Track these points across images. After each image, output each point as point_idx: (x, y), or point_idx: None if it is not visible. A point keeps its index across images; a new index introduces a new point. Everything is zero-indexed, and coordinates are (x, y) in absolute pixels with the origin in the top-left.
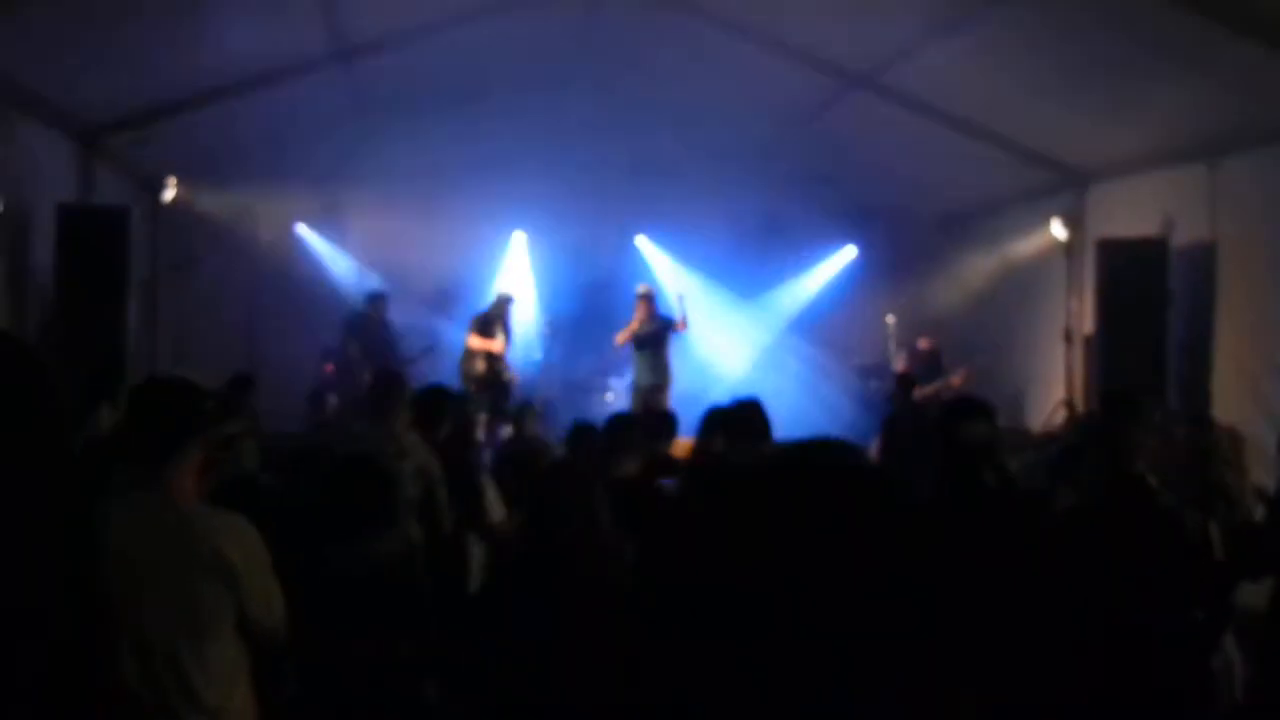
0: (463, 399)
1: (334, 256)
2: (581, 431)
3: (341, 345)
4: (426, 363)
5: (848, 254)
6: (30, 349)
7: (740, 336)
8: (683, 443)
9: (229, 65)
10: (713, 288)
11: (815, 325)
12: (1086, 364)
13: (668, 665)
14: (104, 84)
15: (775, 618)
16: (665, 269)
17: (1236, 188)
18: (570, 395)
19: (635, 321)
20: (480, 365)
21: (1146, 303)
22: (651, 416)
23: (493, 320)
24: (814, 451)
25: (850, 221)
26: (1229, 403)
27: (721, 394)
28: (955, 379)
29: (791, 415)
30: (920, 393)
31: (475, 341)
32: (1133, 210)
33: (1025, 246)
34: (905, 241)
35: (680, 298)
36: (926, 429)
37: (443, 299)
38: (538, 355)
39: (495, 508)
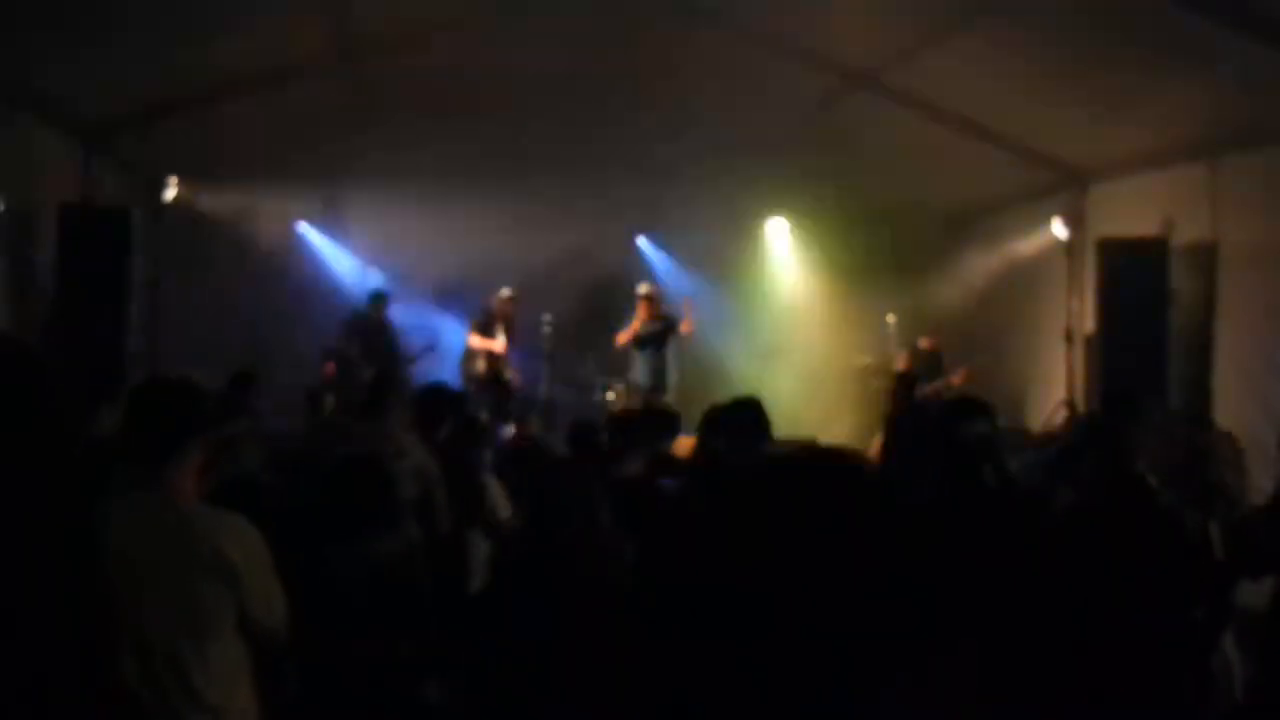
0: (463, 398)
1: (335, 255)
2: (582, 431)
3: (342, 345)
4: (428, 362)
5: (847, 253)
6: (30, 350)
7: (740, 336)
8: (684, 442)
9: (230, 64)
10: (713, 287)
11: (815, 324)
12: (1087, 364)
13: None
14: (105, 83)
15: (775, 618)
16: (667, 269)
17: (1237, 187)
18: (571, 395)
19: (637, 321)
20: (481, 365)
21: (1147, 302)
22: (653, 416)
23: (493, 319)
24: (813, 453)
25: (851, 221)
26: (1230, 402)
27: (722, 394)
28: (956, 378)
29: (791, 415)
30: (920, 392)
31: (476, 341)
32: (1133, 210)
33: (1026, 246)
34: (906, 241)
35: (686, 301)
36: (928, 428)
37: (444, 298)
38: (539, 355)
39: (501, 505)
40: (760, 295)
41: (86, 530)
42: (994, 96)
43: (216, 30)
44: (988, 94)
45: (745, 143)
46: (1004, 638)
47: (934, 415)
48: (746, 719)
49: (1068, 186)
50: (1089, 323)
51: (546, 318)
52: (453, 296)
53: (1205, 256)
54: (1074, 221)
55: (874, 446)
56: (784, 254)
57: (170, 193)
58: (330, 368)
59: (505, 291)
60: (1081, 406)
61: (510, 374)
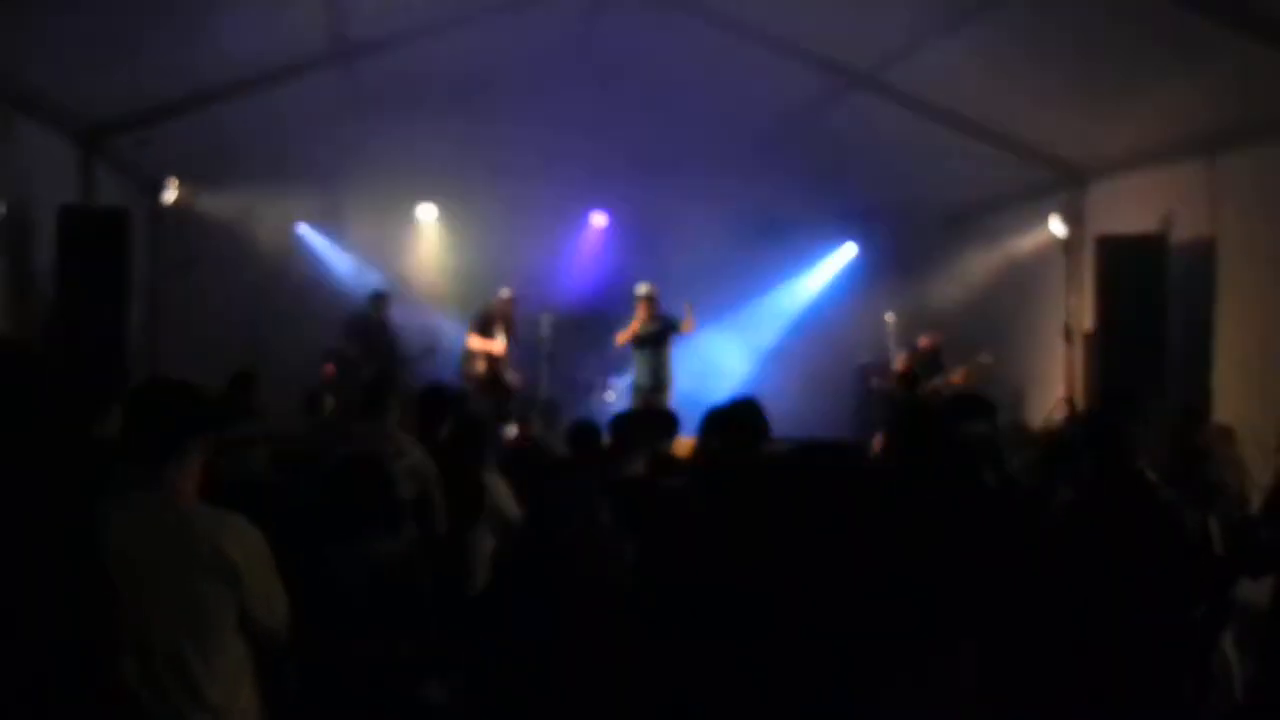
0: (464, 398)
1: (334, 256)
2: (582, 431)
3: (342, 345)
4: (428, 363)
5: (848, 253)
6: (30, 351)
7: (740, 336)
8: (684, 442)
9: (229, 65)
10: (713, 287)
11: (815, 324)
12: (1087, 361)
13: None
14: (104, 85)
15: (775, 617)
16: (663, 269)
17: (1236, 183)
18: (571, 395)
19: (636, 322)
20: (481, 366)
21: (1146, 299)
22: (652, 416)
23: (492, 320)
24: (812, 451)
25: (850, 220)
26: (1230, 399)
27: (721, 394)
28: (955, 377)
29: (792, 415)
30: (920, 390)
31: (475, 342)
32: (1132, 207)
33: (1025, 244)
34: (905, 240)
35: (686, 303)
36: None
37: (443, 299)
38: (538, 355)
39: (508, 504)
40: (760, 295)
41: (87, 530)
42: (991, 94)
43: (215, 32)
44: (985, 92)
45: (743, 141)
46: (1004, 637)
47: (935, 415)
48: (746, 719)
49: (1066, 184)
50: (1088, 320)
51: (546, 319)
52: (451, 297)
53: (1204, 253)
54: (1072, 219)
55: (875, 446)
56: (783, 253)
57: (169, 194)
58: (330, 368)
59: (504, 292)
60: (1081, 404)
61: (510, 375)
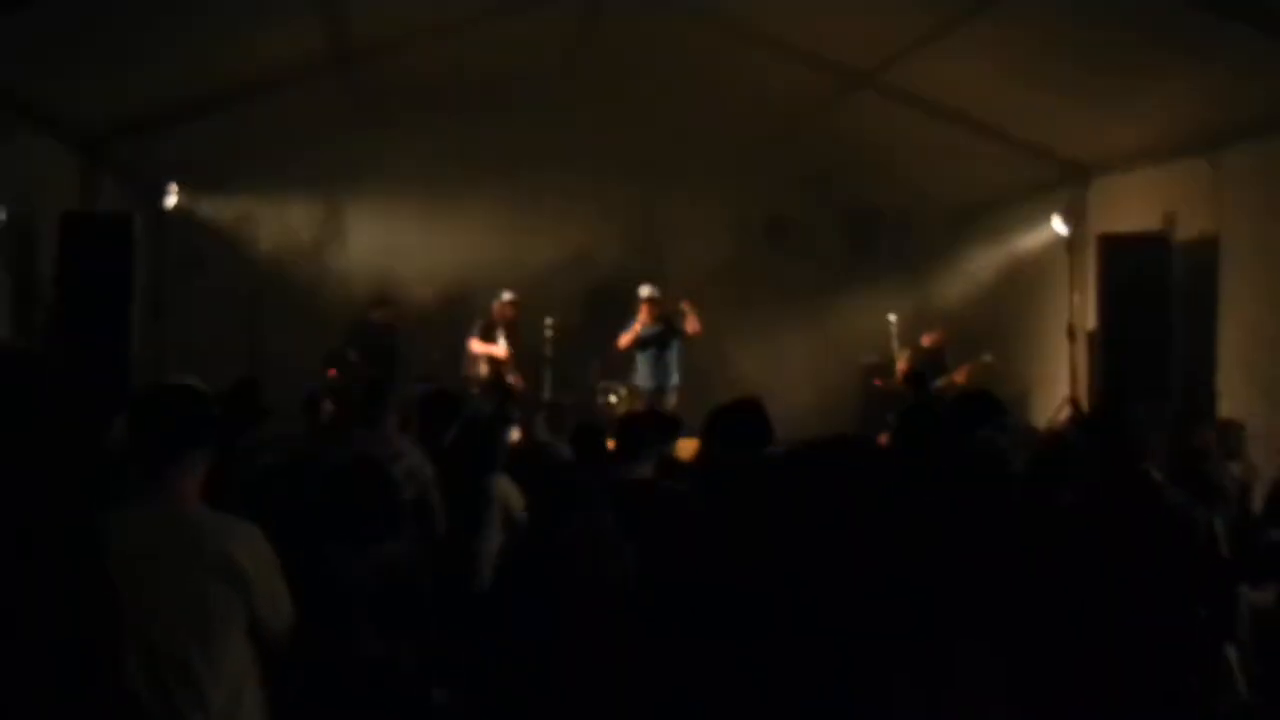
0: (467, 401)
1: (336, 261)
2: (586, 433)
3: (343, 350)
4: (430, 368)
5: (849, 252)
6: (32, 354)
7: (743, 337)
8: (687, 444)
9: (229, 71)
10: (715, 288)
11: (817, 324)
12: (1090, 360)
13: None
14: (105, 91)
15: (775, 617)
16: (666, 270)
17: (1239, 181)
18: (574, 398)
19: (638, 324)
20: (484, 369)
21: (1150, 298)
22: (655, 419)
23: (495, 324)
24: (816, 453)
25: (852, 219)
26: (1235, 397)
27: (724, 395)
28: (958, 376)
29: (795, 416)
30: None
31: (477, 346)
32: (1135, 205)
33: (1027, 242)
34: (907, 239)
35: (685, 302)
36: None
37: (445, 303)
38: (542, 358)
39: (517, 502)
40: (761, 296)
41: (89, 531)
42: (992, 92)
43: (215, 37)
44: (986, 90)
45: (746, 142)
46: (1008, 637)
47: (941, 418)
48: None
49: (1068, 182)
50: (1091, 319)
51: (548, 321)
52: (453, 301)
53: (1208, 251)
54: (1075, 217)
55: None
56: (785, 253)
57: (171, 200)
58: (332, 373)
59: (506, 295)
60: (1085, 403)
61: (513, 378)
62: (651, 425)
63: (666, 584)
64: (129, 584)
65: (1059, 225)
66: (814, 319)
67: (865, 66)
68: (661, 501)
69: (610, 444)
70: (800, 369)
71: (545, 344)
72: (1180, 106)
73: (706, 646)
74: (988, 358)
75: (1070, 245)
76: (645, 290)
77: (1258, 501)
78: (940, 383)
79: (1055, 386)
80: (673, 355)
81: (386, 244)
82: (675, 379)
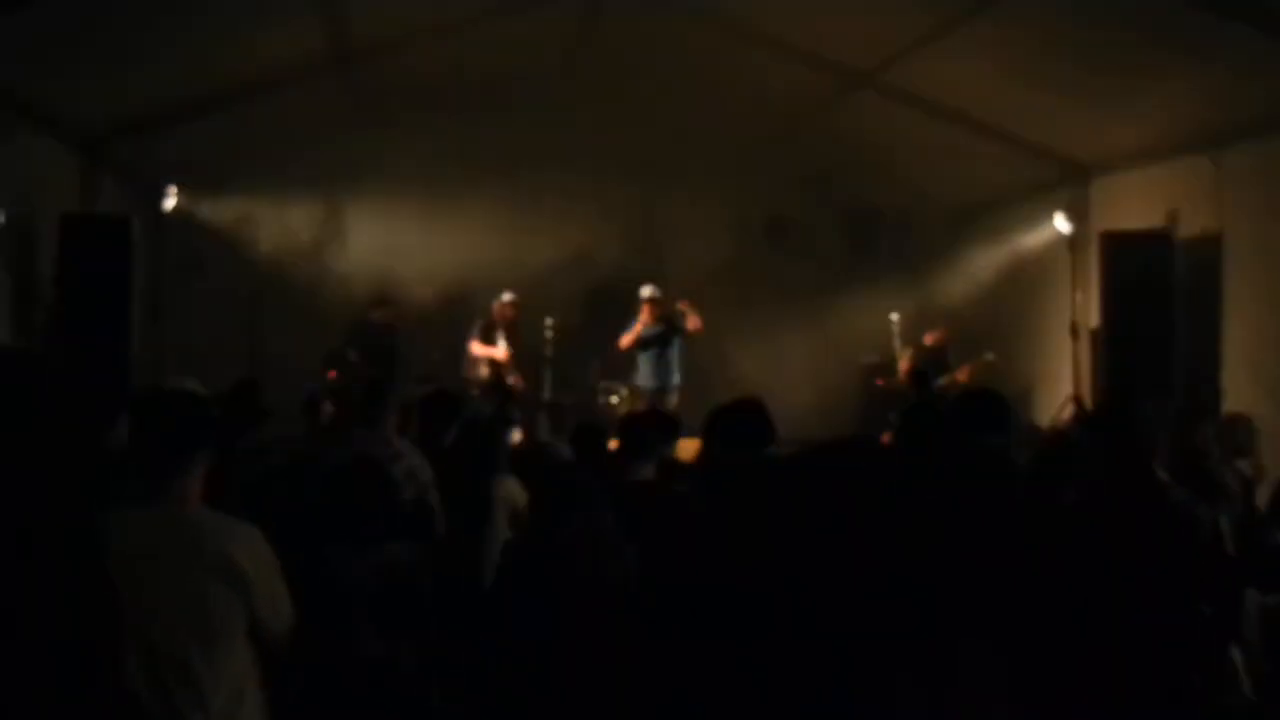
0: (467, 402)
1: (336, 261)
2: (586, 433)
3: (343, 350)
4: (430, 368)
5: (850, 252)
6: (31, 355)
7: (744, 337)
8: (688, 445)
9: (229, 72)
10: (716, 288)
11: (818, 324)
12: (1094, 358)
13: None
14: (105, 92)
15: (775, 618)
16: (667, 270)
17: (1242, 178)
18: (575, 398)
19: (639, 324)
20: (484, 371)
21: (1153, 296)
22: (656, 419)
23: (495, 325)
24: (818, 454)
25: (852, 219)
26: (1240, 395)
27: (725, 395)
28: (960, 375)
29: (797, 416)
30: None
31: (478, 348)
32: (1137, 203)
33: (1029, 241)
34: (908, 238)
35: (683, 301)
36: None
37: (445, 303)
38: (542, 359)
39: (522, 501)
40: (763, 296)
41: (89, 532)
42: (993, 92)
43: (215, 37)
44: (987, 89)
45: (747, 142)
46: (1011, 636)
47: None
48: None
49: (1070, 181)
50: (1094, 317)
51: (549, 321)
52: (454, 302)
53: (1211, 248)
54: (1077, 216)
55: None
56: (786, 254)
57: (170, 201)
58: (332, 374)
59: (506, 295)
60: (1089, 401)
61: (513, 379)
62: (653, 426)
63: (667, 585)
64: (129, 585)
65: (1061, 223)
66: (815, 319)
67: (866, 66)
68: (663, 503)
69: (612, 444)
70: (801, 369)
71: (545, 344)
72: (1181, 105)
73: (707, 647)
74: (990, 356)
75: (1072, 243)
76: (646, 290)
77: (1263, 500)
78: (943, 381)
79: (1058, 385)
80: (674, 355)
81: (386, 244)
82: (677, 379)
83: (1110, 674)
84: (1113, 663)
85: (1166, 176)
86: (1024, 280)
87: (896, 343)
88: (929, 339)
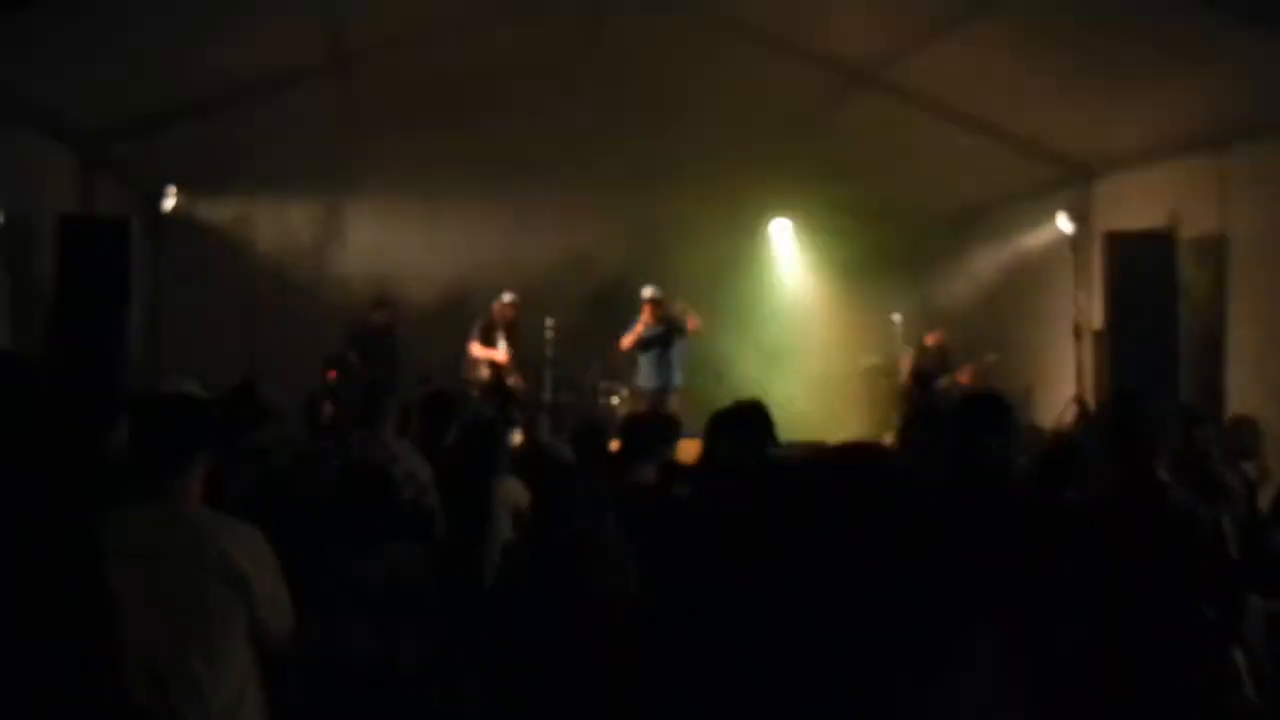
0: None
1: (335, 263)
2: (587, 433)
3: (343, 352)
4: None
5: (852, 253)
6: (27, 357)
7: (747, 338)
8: (689, 446)
9: (227, 73)
10: (718, 289)
11: (821, 325)
12: (1096, 359)
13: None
14: (103, 94)
15: (776, 618)
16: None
17: (1245, 178)
18: (576, 399)
19: (641, 325)
20: (484, 372)
21: (1156, 296)
22: (657, 420)
23: (495, 326)
24: (820, 454)
25: (855, 219)
26: (1244, 397)
27: (727, 396)
28: (962, 376)
29: (799, 417)
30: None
31: (478, 350)
32: (1140, 202)
33: (1032, 241)
34: (911, 238)
35: (681, 302)
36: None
37: (445, 304)
38: (543, 360)
39: (522, 499)
40: (764, 297)
41: (89, 531)
42: (996, 91)
43: (213, 39)
44: (990, 89)
45: (748, 143)
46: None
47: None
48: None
49: (1073, 180)
50: (1097, 318)
51: (549, 322)
52: (454, 303)
53: (1214, 248)
54: (1080, 216)
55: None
56: (788, 254)
57: (169, 203)
58: (332, 375)
59: (507, 296)
60: (1093, 403)
61: (513, 380)
62: (655, 427)
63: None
64: (129, 585)
65: (1063, 223)
66: (816, 319)
67: (867, 65)
68: (664, 505)
69: (614, 445)
70: (804, 370)
71: (546, 345)
72: (1184, 105)
73: (706, 647)
74: (992, 357)
75: (1075, 243)
76: (648, 291)
77: (1266, 502)
78: (944, 383)
79: (1060, 386)
80: (675, 356)
81: (386, 245)
82: (678, 380)
83: (1110, 674)
84: (1112, 662)
85: (1169, 176)
86: (1026, 280)
87: (898, 343)
88: (930, 340)
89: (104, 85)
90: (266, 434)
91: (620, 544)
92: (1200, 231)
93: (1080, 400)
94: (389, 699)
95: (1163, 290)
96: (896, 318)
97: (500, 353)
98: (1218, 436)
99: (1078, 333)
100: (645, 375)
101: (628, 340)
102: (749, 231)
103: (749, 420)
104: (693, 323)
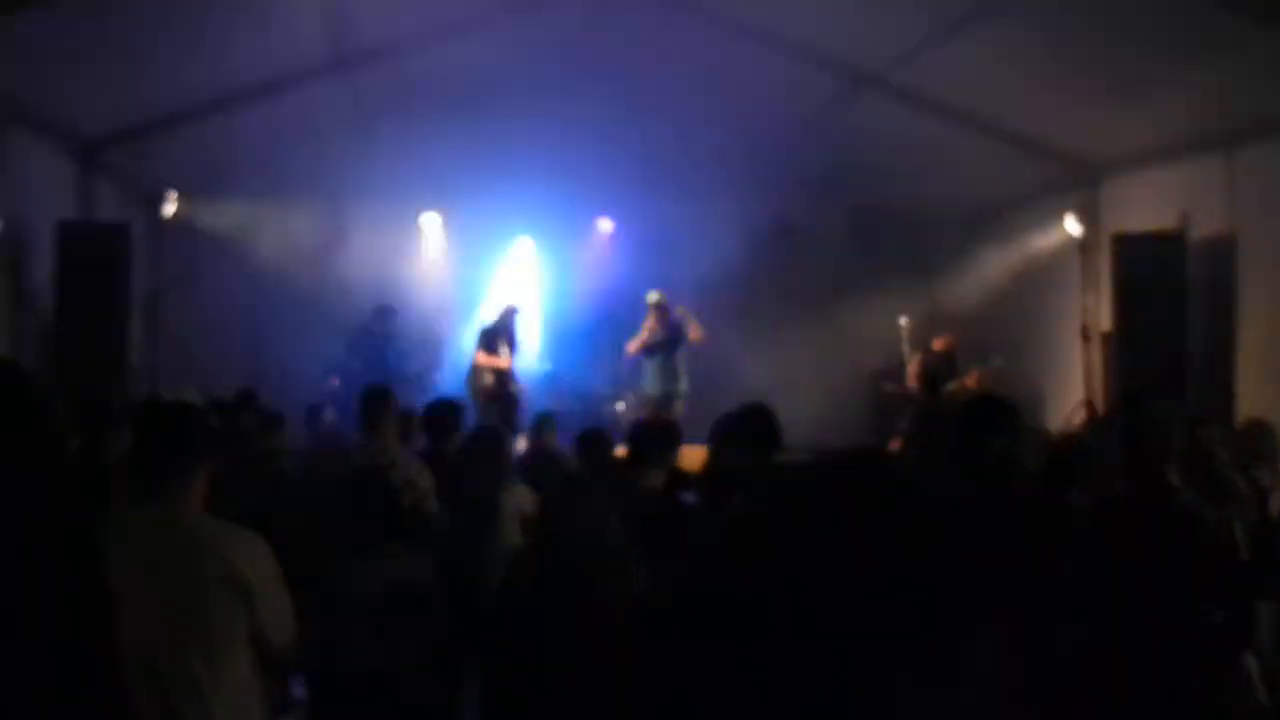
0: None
1: (336, 268)
2: (592, 439)
3: (345, 359)
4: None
5: (858, 254)
6: (16, 362)
7: (750, 341)
8: (694, 451)
9: (227, 77)
10: (723, 293)
11: (826, 328)
12: (1105, 361)
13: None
14: (102, 99)
15: (776, 618)
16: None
17: (1254, 178)
18: (580, 405)
19: (645, 330)
20: (488, 379)
21: (1165, 298)
22: (662, 426)
23: (498, 334)
24: (822, 457)
25: (860, 221)
26: (1254, 399)
27: (732, 401)
28: (969, 380)
29: (804, 421)
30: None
31: (481, 358)
32: (1148, 203)
33: (1040, 243)
34: (918, 241)
35: (681, 308)
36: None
37: (445, 310)
38: (546, 365)
39: (529, 505)
40: (768, 300)
41: (88, 532)
42: (1004, 92)
43: (214, 44)
44: (998, 90)
45: (752, 143)
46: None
47: (954, 418)
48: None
49: (1080, 181)
50: (1106, 320)
51: (554, 327)
52: (454, 308)
53: (1223, 249)
54: (1088, 217)
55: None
56: (790, 257)
57: (169, 208)
58: (334, 382)
59: (509, 304)
60: (1102, 405)
61: (516, 387)
62: (661, 433)
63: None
64: (130, 592)
65: (1072, 225)
66: (822, 323)
67: (873, 65)
68: (670, 512)
69: (619, 452)
70: (809, 373)
71: (550, 351)
72: (1194, 105)
73: (707, 647)
74: (999, 361)
75: (1083, 245)
76: (653, 296)
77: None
78: (951, 386)
79: (1069, 388)
80: (680, 361)
81: (388, 250)
82: (684, 385)
83: (1110, 674)
84: (1112, 662)
85: (1178, 177)
86: (1034, 282)
87: (905, 347)
88: (938, 344)
89: (103, 90)
90: (268, 441)
91: (626, 549)
92: (1210, 232)
93: (1089, 403)
94: (391, 705)
95: (1172, 292)
96: (903, 321)
97: (503, 360)
98: (1226, 439)
99: (1086, 335)
100: (650, 381)
101: (633, 345)
102: (753, 234)
103: (754, 425)
104: (694, 333)
